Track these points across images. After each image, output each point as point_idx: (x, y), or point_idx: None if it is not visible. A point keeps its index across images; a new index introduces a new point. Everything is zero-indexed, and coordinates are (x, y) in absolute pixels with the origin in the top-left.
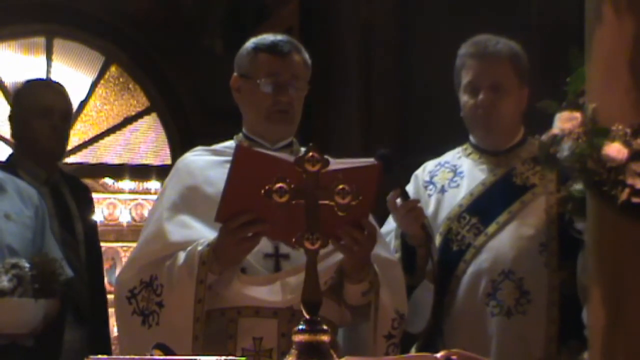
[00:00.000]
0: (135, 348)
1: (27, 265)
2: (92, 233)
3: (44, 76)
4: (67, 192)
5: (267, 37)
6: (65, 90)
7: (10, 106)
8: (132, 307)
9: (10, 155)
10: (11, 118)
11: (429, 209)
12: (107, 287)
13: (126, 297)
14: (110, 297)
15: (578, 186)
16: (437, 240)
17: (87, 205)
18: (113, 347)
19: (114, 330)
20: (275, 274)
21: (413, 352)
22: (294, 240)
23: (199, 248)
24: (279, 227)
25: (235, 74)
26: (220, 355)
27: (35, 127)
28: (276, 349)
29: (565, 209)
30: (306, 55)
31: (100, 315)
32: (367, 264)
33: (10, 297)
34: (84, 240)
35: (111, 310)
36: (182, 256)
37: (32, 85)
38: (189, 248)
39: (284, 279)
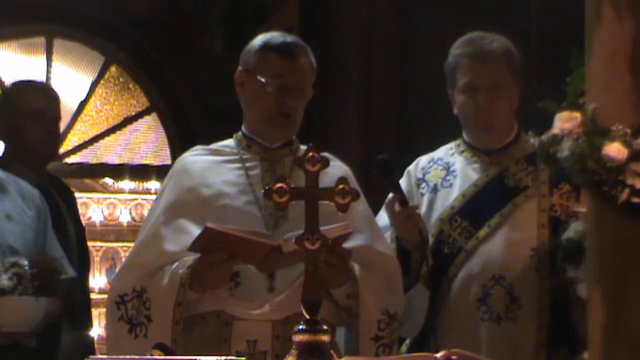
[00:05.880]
0: (120, 353)
1: (26, 263)
2: (81, 235)
3: (43, 76)
4: (56, 194)
5: (277, 37)
6: (55, 92)
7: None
8: (120, 312)
9: (0, 157)
10: (1, 120)
11: (422, 209)
12: (107, 287)
13: (115, 302)
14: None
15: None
16: (430, 241)
17: (74, 207)
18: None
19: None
20: (265, 299)
21: (404, 351)
22: (295, 240)
23: (180, 271)
24: (251, 258)
25: (240, 68)
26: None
27: (29, 131)
28: (270, 352)
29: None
30: (313, 59)
31: (87, 317)
32: (342, 272)
33: (11, 295)
34: (75, 242)
35: (103, 311)
36: (167, 274)
37: (23, 89)
38: (174, 266)
39: (272, 300)
